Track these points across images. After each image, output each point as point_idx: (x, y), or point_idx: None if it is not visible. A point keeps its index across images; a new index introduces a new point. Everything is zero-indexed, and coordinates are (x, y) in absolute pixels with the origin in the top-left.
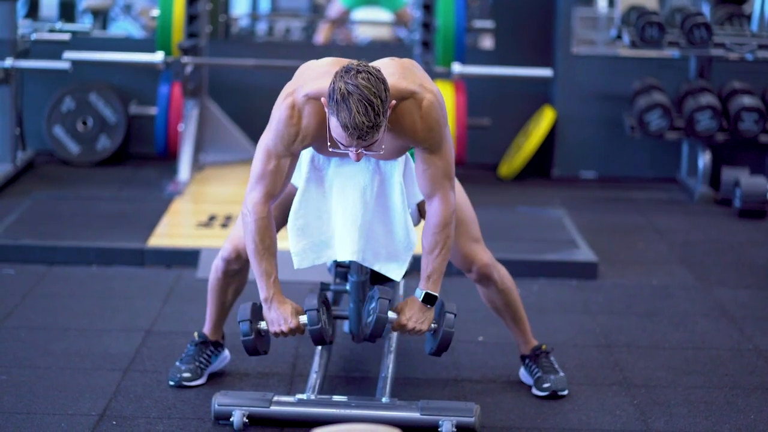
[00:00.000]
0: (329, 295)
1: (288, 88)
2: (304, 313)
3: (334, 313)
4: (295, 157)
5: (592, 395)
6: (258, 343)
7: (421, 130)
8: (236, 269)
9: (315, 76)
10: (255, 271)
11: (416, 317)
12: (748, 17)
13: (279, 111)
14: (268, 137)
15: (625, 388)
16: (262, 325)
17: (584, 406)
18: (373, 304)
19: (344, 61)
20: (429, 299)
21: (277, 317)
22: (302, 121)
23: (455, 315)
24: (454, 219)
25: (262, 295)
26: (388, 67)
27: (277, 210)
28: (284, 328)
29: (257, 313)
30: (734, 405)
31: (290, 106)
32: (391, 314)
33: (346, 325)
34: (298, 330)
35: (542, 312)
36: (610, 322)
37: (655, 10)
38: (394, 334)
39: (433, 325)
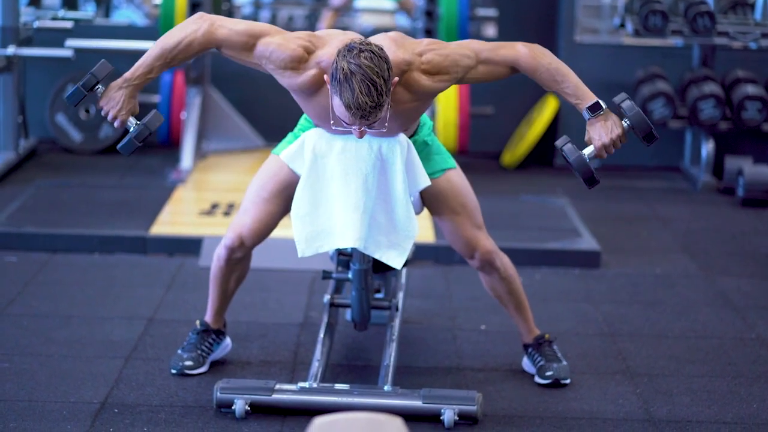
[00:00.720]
0: (331, 283)
1: (312, 38)
2: (139, 122)
3: (337, 301)
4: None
5: (595, 384)
6: (80, 96)
7: (436, 78)
8: (239, 257)
9: (338, 46)
10: (145, 56)
11: (604, 130)
12: (752, 6)
13: (293, 44)
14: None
15: (628, 377)
16: (99, 89)
17: (587, 394)
18: (564, 154)
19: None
20: (597, 108)
21: (117, 100)
22: (302, 72)
23: (628, 97)
24: (534, 48)
25: (127, 74)
26: (380, 41)
27: (279, 198)
28: (112, 112)
29: (109, 78)
30: (737, 394)
31: (300, 56)
32: (586, 150)
33: (348, 314)
34: (121, 124)
35: (545, 301)
36: (612, 310)
37: None
38: (396, 322)
39: (625, 123)
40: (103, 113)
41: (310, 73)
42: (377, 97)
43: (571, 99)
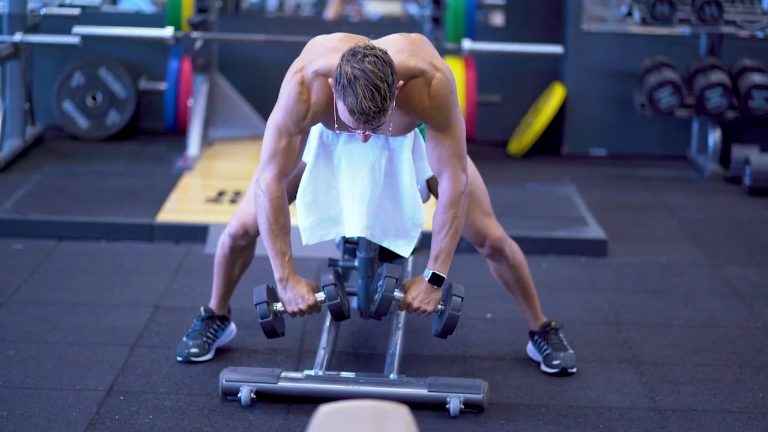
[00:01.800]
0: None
1: (297, 64)
2: (320, 289)
3: None
4: (305, 134)
5: (600, 372)
6: (276, 324)
7: (429, 108)
8: (243, 245)
9: (323, 52)
10: (269, 250)
11: (422, 297)
12: None
13: (288, 87)
14: (277, 115)
15: (634, 365)
16: (278, 306)
17: (592, 383)
18: (380, 282)
19: (353, 37)
20: (436, 280)
21: (294, 296)
22: (311, 98)
23: (462, 299)
24: (464, 199)
25: (277, 275)
26: (396, 43)
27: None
28: (302, 306)
29: (272, 294)
30: (742, 383)
31: (299, 82)
32: (397, 293)
33: (354, 302)
34: (315, 307)
35: (551, 289)
36: (618, 299)
37: None
38: (403, 311)
39: (439, 306)
40: (300, 316)
41: (316, 86)
42: (381, 102)
43: (432, 253)
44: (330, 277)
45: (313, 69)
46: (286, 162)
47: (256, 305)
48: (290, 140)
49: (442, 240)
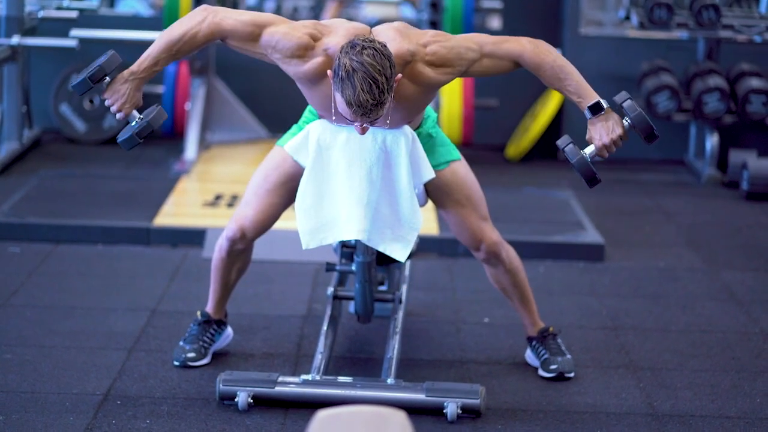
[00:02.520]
0: (335, 275)
1: (318, 26)
2: (140, 113)
3: (340, 294)
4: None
5: (598, 378)
6: (86, 87)
7: (441, 70)
8: (241, 249)
9: (344, 35)
10: (150, 49)
11: (605, 129)
12: None
13: (298, 32)
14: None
15: (631, 370)
16: (106, 81)
17: (590, 388)
18: (565, 156)
19: (368, 30)
20: (598, 107)
21: (123, 93)
22: (307, 60)
23: (629, 98)
24: (539, 45)
25: (133, 67)
26: (385, 32)
27: (283, 189)
28: (117, 105)
29: (114, 68)
30: (740, 388)
31: (307, 44)
32: (586, 150)
33: (351, 306)
34: (124, 116)
35: (549, 294)
36: (616, 304)
37: None
38: (400, 315)
39: (626, 122)
40: (107, 104)
41: (317, 60)
42: (379, 94)
43: (573, 97)
44: (150, 111)
45: (326, 47)
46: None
47: (96, 62)
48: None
49: (565, 80)
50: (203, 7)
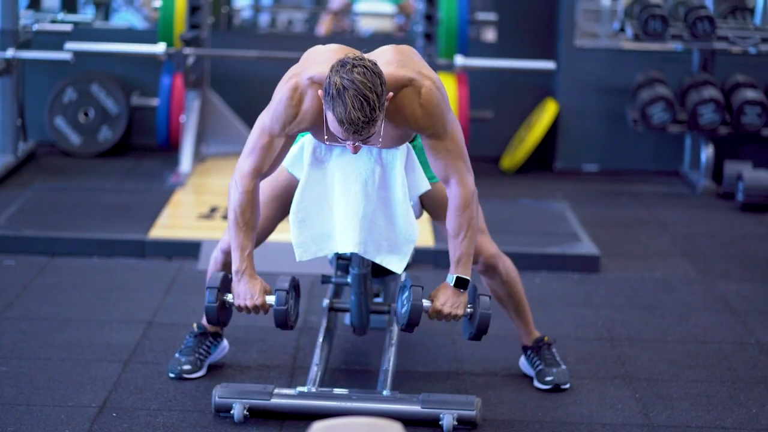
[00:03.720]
0: (330, 287)
1: (293, 70)
2: (273, 293)
3: (336, 306)
4: (290, 139)
5: (594, 389)
6: (220, 313)
7: (422, 117)
8: None
9: (321, 61)
10: (231, 242)
11: (451, 302)
12: (752, 10)
13: (281, 92)
14: (266, 115)
15: (627, 381)
16: (229, 297)
17: (586, 399)
18: (407, 293)
19: (350, 50)
20: (461, 283)
21: (245, 291)
22: (302, 105)
23: (490, 297)
24: (475, 199)
25: (235, 267)
26: (385, 54)
27: (277, 201)
28: (248, 303)
29: (226, 284)
30: (736, 399)
31: (293, 87)
32: (425, 302)
33: (347, 318)
34: (262, 307)
35: (544, 305)
36: (612, 315)
37: (658, 2)
38: (395, 328)
39: (468, 309)
40: (246, 313)
41: (310, 94)
42: (370, 112)
43: (452, 258)
44: (285, 284)
45: (308, 75)
46: (263, 160)
47: (207, 288)
48: (272, 141)
49: (461, 243)
50: (232, 182)
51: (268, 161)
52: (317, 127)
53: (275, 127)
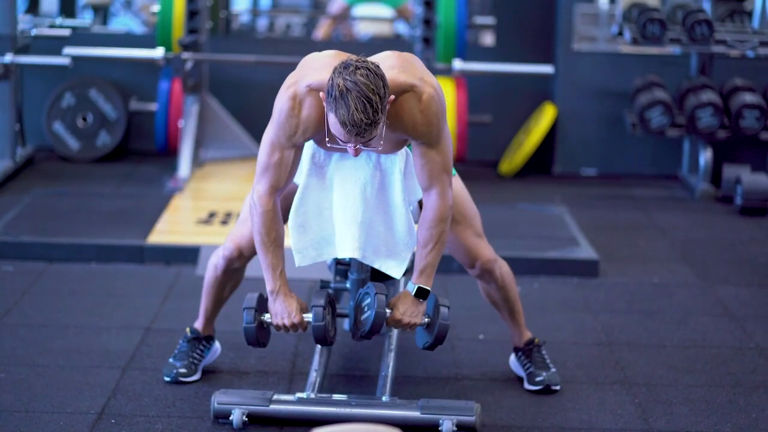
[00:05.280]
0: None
1: (290, 79)
2: (309, 310)
3: (336, 312)
4: (299, 149)
5: (593, 394)
6: (259, 333)
7: (420, 124)
8: (237, 267)
9: (317, 67)
10: (262, 263)
11: (410, 311)
12: (749, 14)
13: (281, 102)
14: (271, 130)
15: (626, 386)
16: (266, 317)
17: (585, 404)
18: (369, 300)
19: (346, 55)
20: (421, 293)
21: (282, 310)
22: (303, 113)
23: (449, 308)
24: (450, 215)
25: (269, 287)
26: (387, 59)
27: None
28: (287, 322)
29: (263, 304)
30: (736, 404)
31: (292, 97)
32: (388, 310)
33: (346, 323)
34: (300, 325)
35: (543, 310)
36: (611, 320)
37: (656, 6)
38: (395, 332)
39: (426, 319)
40: (284, 332)
41: (310, 102)
42: (373, 114)
43: (416, 268)
44: (321, 300)
45: (306, 83)
46: (278, 176)
47: (244, 309)
48: (282, 155)
49: (428, 254)
50: (247, 207)
51: (284, 176)
52: (322, 134)
53: (282, 140)
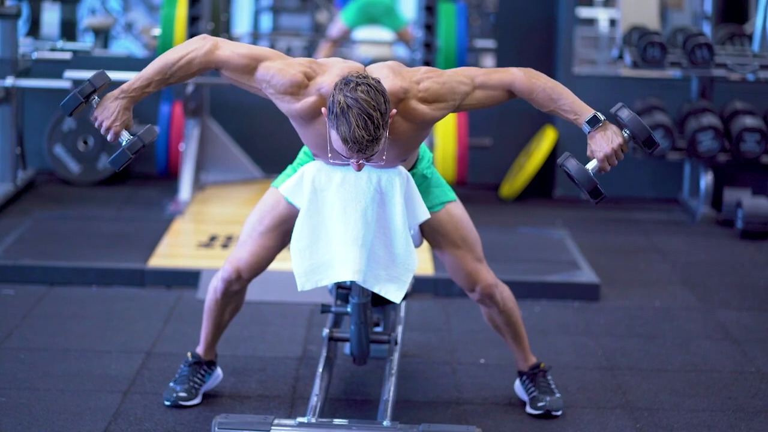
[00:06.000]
0: (330, 317)
1: (312, 64)
2: (133, 135)
3: (336, 335)
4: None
5: (594, 418)
6: (76, 103)
7: (441, 108)
8: (236, 290)
9: (337, 74)
10: (147, 68)
11: (604, 141)
12: (750, 37)
13: (290, 69)
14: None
15: (628, 411)
16: (95, 100)
17: (586, 429)
18: (565, 169)
19: (358, 65)
20: (594, 122)
21: (113, 111)
22: (300, 98)
23: (622, 105)
24: (531, 73)
25: (124, 86)
26: (379, 71)
27: (277, 231)
28: (106, 123)
29: (106, 89)
30: (737, 428)
31: (304, 77)
32: (590, 165)
33: (347, 348)
34: (114, 134)
35: (544, 334)
36: (612, 344)
37: (656, 30)
38: (396, 356)
39: (625, 132)
40: (96, 124)
41: (310, 99)
42: (374, 130)
43: (570, 116)
44: (148, 137)
45: (320, 87)
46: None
47: (87, 80)
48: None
49: (562, 103)
50: (203, 35)
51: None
52: (306, 119)
53: (276, 62)
